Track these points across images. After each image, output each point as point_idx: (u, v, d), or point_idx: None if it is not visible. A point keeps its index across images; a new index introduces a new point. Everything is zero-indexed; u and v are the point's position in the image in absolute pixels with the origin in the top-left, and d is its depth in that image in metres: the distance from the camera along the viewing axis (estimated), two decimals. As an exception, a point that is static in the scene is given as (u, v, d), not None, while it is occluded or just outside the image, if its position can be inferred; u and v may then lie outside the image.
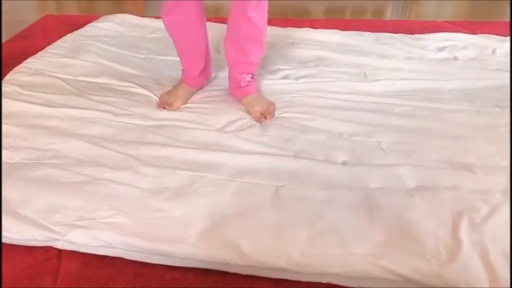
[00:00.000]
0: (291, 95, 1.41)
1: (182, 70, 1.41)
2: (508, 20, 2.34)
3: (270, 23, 2.08)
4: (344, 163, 1.09)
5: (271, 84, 1.49)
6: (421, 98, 1.41)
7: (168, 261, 0.84)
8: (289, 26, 2.05)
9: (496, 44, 1.82)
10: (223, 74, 1.50)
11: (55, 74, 1.50)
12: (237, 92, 1.35)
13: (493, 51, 1.77)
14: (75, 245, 0.85)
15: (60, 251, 0.85)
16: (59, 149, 1.12)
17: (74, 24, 2.02)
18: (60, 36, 1.85)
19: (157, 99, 1.39)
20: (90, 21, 2.04)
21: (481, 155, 1.12)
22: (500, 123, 1.27)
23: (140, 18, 2.10)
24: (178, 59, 1.69)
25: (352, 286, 0.81)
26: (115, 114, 1.28)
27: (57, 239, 0.85)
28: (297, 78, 1.52)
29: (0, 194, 0.94)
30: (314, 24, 2.11)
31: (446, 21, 2.25)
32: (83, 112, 1.28)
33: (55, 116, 1.26)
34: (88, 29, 1.93)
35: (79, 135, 1.18)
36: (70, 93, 1.40)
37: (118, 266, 0.83)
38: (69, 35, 1.85)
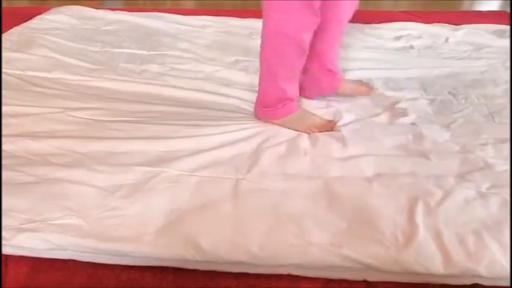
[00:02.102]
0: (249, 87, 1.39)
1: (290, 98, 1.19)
2: (460, 10, 2.42)
3: (231, 13, 2.07)
4: (304, 153, 1.09)
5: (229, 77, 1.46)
6: (379, 87, 1.43)
7: (124, 260, 0.81)
8: (248, 17, 2.03)
9: (449, 32, 1.88)
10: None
11: (2, 69, 1.42)
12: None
13: (446, 40, 1.82)
14: (23, 249, 0.81)
15: (7, 256, 0.81)
16: (7, 149, 1.05)
17: (23, 16, 1.91)
18: (7, 29, 1.75)
19: (114, 92, 1.33)
20: (40, 13, 1.94)
21: (435, 141, 1.15)
22: (453, 110, 1.30)
23: (94, 10, 2.02)
24: (134, 51, 1.65)
25: (312, 276, 0.81)
26: (68, 109, 1.22)
27: (4, 244, 0.80)
28: (255, 70, 1.51)
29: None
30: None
31: (402, 12, 2.30)
32: (33, 108, 1.22)
33: (3, 113, 1.19)
34: (37, 22, 1.84)
35: (29, 133, 1.12)
36: (19, 89, 1.33)
37: (70, 269, 0.80)
38: (16, 27, 1.76)
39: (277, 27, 1.06)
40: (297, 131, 1.17)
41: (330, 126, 1.20)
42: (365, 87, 1.39)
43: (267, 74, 1.16)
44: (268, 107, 1.19)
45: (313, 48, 1.19)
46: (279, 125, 1.19)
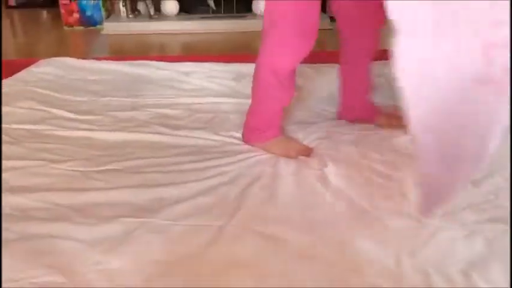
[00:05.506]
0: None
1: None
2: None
3: (216, 59, 2.11)
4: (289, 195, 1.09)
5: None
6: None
7: (107, 317, 0.79)
8: (235, 61, 2.07)
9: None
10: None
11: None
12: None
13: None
14: (1, 311, 0.79)
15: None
16: (-11, 205, 1.04)
17: (11, 69, 1.94)
18: (-5, 82, 1.77)
19: (99, 142, 1.34)
20: (29, 65, 1.98)
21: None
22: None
23: (80, 60, 2.06)
24: (121, 99, 1.67)
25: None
26: (52, 162, 1.22)
27: (-17, 306, 0.78)
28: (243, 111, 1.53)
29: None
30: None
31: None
32: (17, 162, 1.22)
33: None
34: (25, 74, 1.87)
35: (12, 188, 1.10)
36: (4, 143, 1.33)
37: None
38: (4, 80, 1.79)
39: (272, 64, 1.19)
40: (276, 154, 1.27)
41: (307, 152, 1.28)
42: (395, 120, 1.35)
43: (256, 102, 1.29)
44: (254, 131, 1.31)
45: (348, 83, 1.40)
46: (262, 148, 1.29)
